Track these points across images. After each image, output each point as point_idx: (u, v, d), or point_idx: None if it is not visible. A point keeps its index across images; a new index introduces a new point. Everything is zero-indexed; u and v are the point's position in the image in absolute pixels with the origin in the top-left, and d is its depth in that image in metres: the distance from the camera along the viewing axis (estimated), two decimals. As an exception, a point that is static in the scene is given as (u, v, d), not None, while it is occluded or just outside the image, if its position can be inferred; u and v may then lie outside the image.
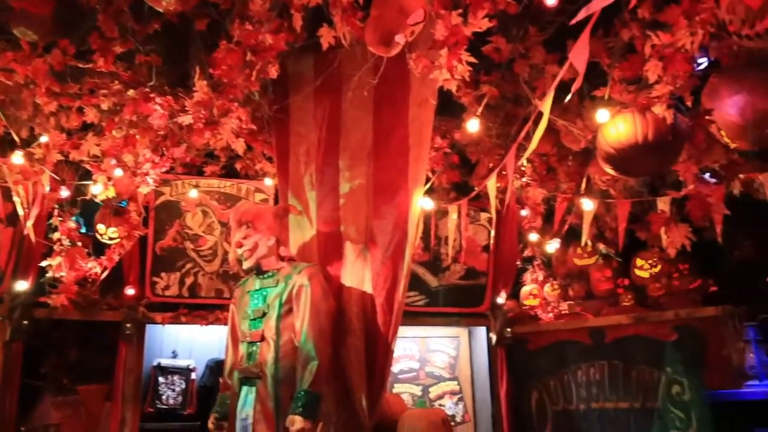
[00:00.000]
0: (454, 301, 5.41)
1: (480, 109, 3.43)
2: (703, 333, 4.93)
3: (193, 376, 5.70)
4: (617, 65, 2.96)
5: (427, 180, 4.42)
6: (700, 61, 3.03)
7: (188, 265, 4.70)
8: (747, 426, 3.07)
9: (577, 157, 4.77)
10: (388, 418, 3.24)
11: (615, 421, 5.10)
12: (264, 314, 3.13)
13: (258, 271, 3.26)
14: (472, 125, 3.34)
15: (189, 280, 4.67)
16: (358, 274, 3.25)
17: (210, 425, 3.33)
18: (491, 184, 3.30)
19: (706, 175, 3.02)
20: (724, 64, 3.23)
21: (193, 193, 4.71)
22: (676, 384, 5.03)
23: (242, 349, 3.17)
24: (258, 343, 3.10)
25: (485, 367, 5.47)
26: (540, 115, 2.62)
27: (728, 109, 3.07)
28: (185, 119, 3.22)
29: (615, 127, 2.76)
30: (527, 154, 2.91)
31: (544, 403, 5.33)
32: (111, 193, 3.77)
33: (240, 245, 3.20)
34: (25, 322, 4.13)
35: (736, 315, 4.39)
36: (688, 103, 2.85)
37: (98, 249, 4.29)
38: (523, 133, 3.02)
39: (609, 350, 5.19)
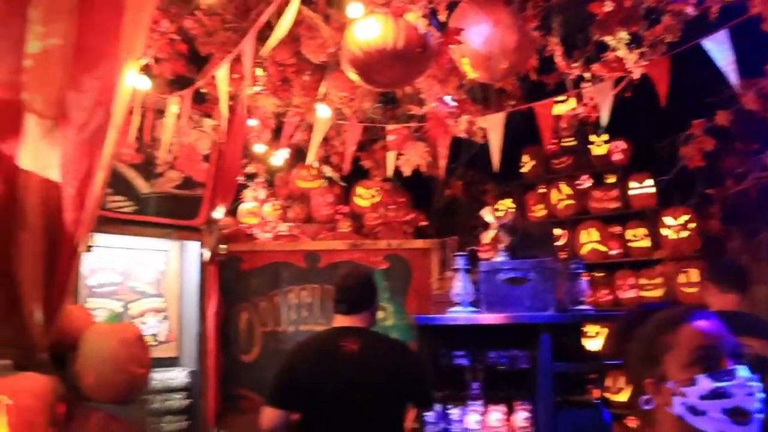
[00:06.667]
0: (167, 211, 4.88)
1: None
2: (410, 263, 5.17)
3: None
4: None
5: (147, 67, 3.82)
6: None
7: None
8: (449, 349, 3.17)
9: (315, 71, 4.54)
10: (69, 334, 2.70)
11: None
12: None
13: None
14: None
15: None
16: (42, 156, 2.60)
17: None
18: (221, 76, 2.87)
19: (447, 98, 2.95)
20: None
21: None
22: (381, 309, 5.23)
23: None
24: None
25: (195, 284, 5.07)
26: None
27: (473, 37, 3.03)
28: None
29: (367, 27, 2.51)
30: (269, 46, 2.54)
31: (253, 324, 5.15)
32: None
33: None
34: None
35: (448, 246, 4.61)
36: (442, 18, 2.72)
37: None
38: (263, 18, 2.64)
39: (322, 274, 5.18)
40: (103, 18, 2.58)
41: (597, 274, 5.60)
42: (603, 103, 3.67)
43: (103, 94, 2.56)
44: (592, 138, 5.78)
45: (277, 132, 4.92)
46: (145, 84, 2.94)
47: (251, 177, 5.55)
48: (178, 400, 4.74)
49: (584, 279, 3.43)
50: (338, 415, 2.69)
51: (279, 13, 3.10)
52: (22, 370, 2.30)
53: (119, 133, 2.60)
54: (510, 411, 3.31)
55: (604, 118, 3.60)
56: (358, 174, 5.58)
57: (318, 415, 2.72)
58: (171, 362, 4.94)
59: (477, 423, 3.26)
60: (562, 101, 4.88)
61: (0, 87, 2.57)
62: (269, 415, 2.72)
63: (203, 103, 4.53)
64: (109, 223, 4.47)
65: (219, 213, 5.10)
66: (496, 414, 3.27)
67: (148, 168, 4.72)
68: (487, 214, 3.37)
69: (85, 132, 2.56)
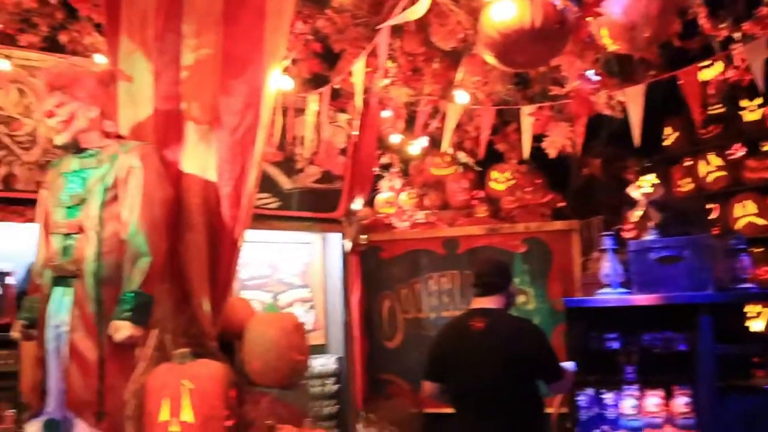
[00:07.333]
0: (308, 205, 5.08)
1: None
2: (549, 245, 5.05)
3: (10, 280, 4.96)
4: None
5: (286, 68, 3.99)
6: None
7: (0, 153, 3.94)
8: (599, 332, 3.09)
9: (445, 58, 4.53)
10: (234, 324, 2.91)
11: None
12: (83, 201, 2.63)
13: (76, 148, 2.72)
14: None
15: (2, 171, 3.93)
16: (200, 159, 2.81)
17: (15, 334, 2.82)
18: (358, 70, 2.95)
19: (590, 73, 2.86)
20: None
21: (5, 65, 3.88)
22: (522, 293, 5.15)
23: (55, 242, 2.65)
24: (75, 236, 2.60)
25: (338, 274, 5.25)
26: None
27: (613, 6, 2.91)
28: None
29: (503, 8, 2.48)
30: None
31: (396, 311, 5.26)
32: None
33: (51, 115, 2.63)
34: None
35: (593, 225, 4.46)
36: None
37: None
38: (398, 11, 2.68)
39: (461, 260, 5.18)
40: (248, 26, 2.73)
41: (755, 250, 5.20)
42: (757, 64, 3.40)
43: (252, 97, 2.72)
44: (744, 103, 5.36)
45: (410, 121, 4.97)
46: (288, 84, 3.08)
47: (386, 167, 5.65)
48: (328, 386, 4.95)
49: (746, 255, 3.21)
50: (473, 386, 3.01)
51: (411, 4, 3.13)
52: (197, 357, 2.50)
53: (267, 133, 2.75)
54: (668, 396, 3.18)
55: (760, 80, 3.34)
56: (492, 158, 5.52)
57: (459, 386, 3.09)
58: (319, 350, 5.15)
59: (633, 408, 3.16)
60: (707, 66, 4.57)
61: (162, 99, 2.82)
62: (425, 386, 3.21)
63: (337, 98, 4.66)
64: (256, 219, 4.71)
65: (357, 204, 5.24)
66: (654, 399, 3.15)
67: (289, 165, 4.93)
68: (634, 192, 3.24)
69: (237, 134, 2.74)
